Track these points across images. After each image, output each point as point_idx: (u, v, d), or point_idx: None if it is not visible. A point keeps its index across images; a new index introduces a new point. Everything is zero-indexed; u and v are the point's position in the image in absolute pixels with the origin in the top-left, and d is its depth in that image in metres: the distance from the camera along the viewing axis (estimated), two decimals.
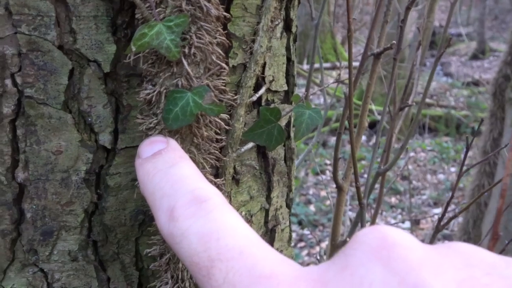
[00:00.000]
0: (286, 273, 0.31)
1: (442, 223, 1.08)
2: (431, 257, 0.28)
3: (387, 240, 0.29)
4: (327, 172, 5.69)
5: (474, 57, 9.39)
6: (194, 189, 0.39)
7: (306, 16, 6.56)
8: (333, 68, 7.56)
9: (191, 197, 0.38)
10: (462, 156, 5.72)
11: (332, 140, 6.42)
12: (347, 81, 1.02)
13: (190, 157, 0.55)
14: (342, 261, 0.29)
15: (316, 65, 1.70)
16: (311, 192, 5.41)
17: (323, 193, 5.35)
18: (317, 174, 5.61)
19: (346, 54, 8.59)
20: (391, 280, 0.27)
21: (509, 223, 2.45)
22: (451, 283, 0.27)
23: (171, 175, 0.42)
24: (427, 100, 7.06)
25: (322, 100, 5.64)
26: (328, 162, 5.93)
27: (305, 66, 6.80)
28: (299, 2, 0.75)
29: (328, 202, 5.04)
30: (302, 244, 4.51)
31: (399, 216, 5.10)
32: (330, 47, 8.33)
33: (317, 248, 4.31)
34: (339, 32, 8.74)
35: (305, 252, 4.37)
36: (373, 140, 6.35)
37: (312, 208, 5.07)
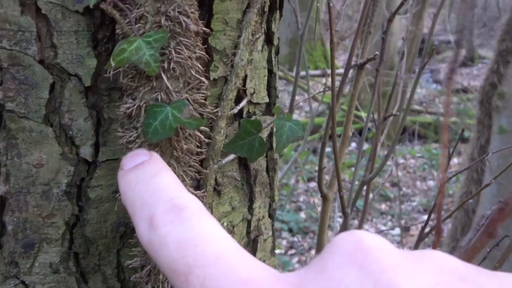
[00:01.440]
0: (264, 277, 0.32)
1: (426, 231, 1.09)
2: (405, 261, 0.29)
3: (362, 243, 0.30)
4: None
5: (463, 64, 9.47)
6: (173, 198, 0.40)
7: (296, 23, 6.58)
8: (323, 75, 7.59)
9: (170, 205, 0.39)
10: (452, 162, 5.75)
11: None
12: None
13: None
14: (320, 265, 0.30)
15: (305, 73, 1.72)
16: (301, 199, 5.42)
17: (313, 200, 5.36)
18: (307, 181, 5.61)
19: (336, 61, 8.64)
20: (366, 282, 0.28)
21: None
22: (424, 286, 0.28)
23: (151, 185, 0.43)
24: (417, 107, 7.10)
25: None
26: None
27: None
28: (280, 16, 0.77)
29: (318, 209, 5.06)
30: (292, 251, 4.51)
31: (389, 223, 5.12)
32: (320, 54, 8.37)
33: (308, 255, 4.31)
34: (328, 40, 8.77)
35: (295, 259, 4.37)
36: (363, 147, 6.37)
37: (302, 215, 5.08)
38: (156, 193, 0.41)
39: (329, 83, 1.74)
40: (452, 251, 2.87)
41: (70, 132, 0.58)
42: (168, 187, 0.42)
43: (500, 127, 2.74)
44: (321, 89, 1.54)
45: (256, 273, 0.32)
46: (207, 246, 0.34)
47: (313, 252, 4.28)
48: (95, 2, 0.52)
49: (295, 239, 4.65)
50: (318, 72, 7.49)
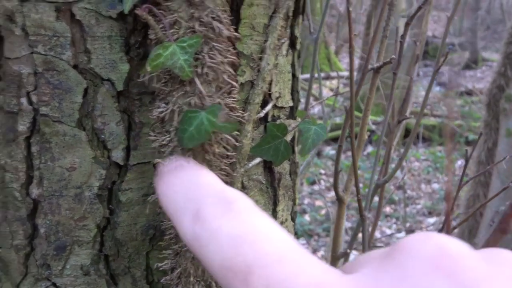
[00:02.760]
0: (334, 280, 0.29)
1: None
2: (492, 269, 0.28)
3: (446, 249, 0.28)
4: (322, 181, 5.71)
5: (467, 66, 9.48)
6: (221, 191, 0.37)
7: (309, 27, 6.59)
8: (327, 78, 7.60)
9: (219, 198, 0.36)
10: (456, 165, 5.73)
11: (327, 149, 6.45)
12: (346, 94, 1.03)
13: None
14: (397, 270, 0.28)
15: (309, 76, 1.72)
16: (306, 201, 5.42)
17: (318, 203, 5.36)
18: (312, 183, 5.62)
19: (339, 64, 8.65)
20: None
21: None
22: None
23: (195, 182, 0.39)
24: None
25: (316, 109, 5.67)
26: (322, 171, 5.95)
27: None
28: (303, 20, 0.77)
29: (323, 212, 5.06)
30: None
31: (394, 226, 5.12)
32: (324, 57, 8.38)
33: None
34: (332, 42, 8.79)
35: None
36: (367, 149, 6.38)
37: (307, 217, 5.08)
38: (201, 188, 0.38)
39: (337, 86, 1.75)
40: None
41: (102, 136, 0.58)
42: (213, 183, 0.39)
43: (507, 129, 2.75)
44: (333, 93, 1.55)
45: (325, 275, 0.29)
46: (267, 244, 0.31)
47: (319, 254, 4.28)
48: (130, 7, 0.52)
49: (300, 241, 4.65)
50: (322, 74, 7.49)
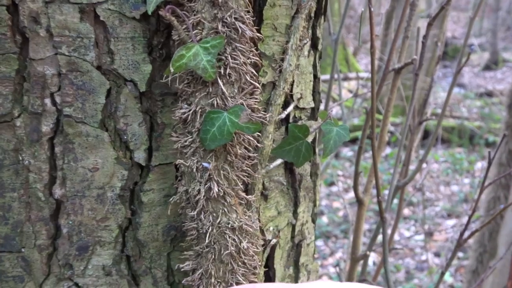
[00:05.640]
0: None
1: (464, 238, 1.08)
2: None
3: None
4: (340, 183, 5.68)
5: (487, 67, 9.36)
6: None
7: (328, 28, 6.56)
8: (345, 79, 7.56)
9: None
10: (476, 167, 5.64)
11: (344, 151, 6.42)
12: (364, 95, 1.02)
13: (224, 175, 0.56)
14: None
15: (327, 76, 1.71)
16: (323, 203, 5.40)
17: (335, 204, 5.34)
18: (329, 185, 5.59)
19: (357, 65, 8.61)
20: None
21: None
22: None
23: None
24: (440, 111, 7.02)
25: (333, 111, 5.64)
26: (340, 173, 5.92)
27: None
28: (324, 20, 0.77)
29: (340, 213, 5.03)
30: (315, 255, 4.50)
31: (412, 228, 5.07)
32: (342, 58, 8.34)
33: (330, 260, 4.29)
34: (350, 43, 8.75)
35: (318, 263, 4.35)
36: (385, 151, 6.33)
37: (324, 219, 5.06)
38: None
39: (354, 87, 1.74)
40: (479, 257, 2.83)
41: (125, 137, 0.58)
42: None
43: None
44: (352, 95, 1.54)
45: None
46: None
47: (336, 256, 4.27)
48: (153, 8, 0.52)
49: (317, 243, 4.63)
50: (340, 76, 7.45)
